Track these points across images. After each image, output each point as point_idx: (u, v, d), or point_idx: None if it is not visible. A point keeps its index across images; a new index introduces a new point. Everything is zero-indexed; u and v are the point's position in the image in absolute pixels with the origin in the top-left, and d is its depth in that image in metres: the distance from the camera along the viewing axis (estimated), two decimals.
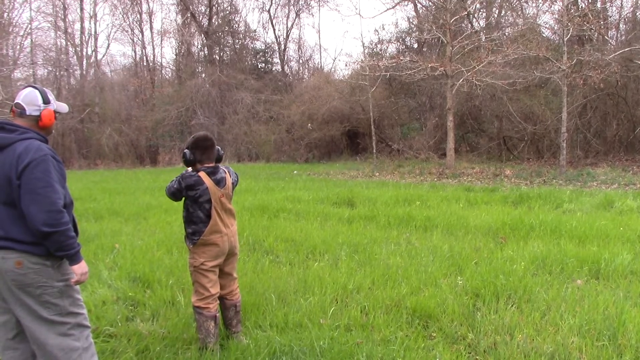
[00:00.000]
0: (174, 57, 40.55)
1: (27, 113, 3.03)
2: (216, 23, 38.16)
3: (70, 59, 40.06)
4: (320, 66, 41.20)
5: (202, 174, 3.90)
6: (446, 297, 5.01)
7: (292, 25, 46.41)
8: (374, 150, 24.12)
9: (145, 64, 40.51)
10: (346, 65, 48.45)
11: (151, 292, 5.37)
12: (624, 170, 18.08)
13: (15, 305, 2.92)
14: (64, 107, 3.22)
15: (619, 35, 24.30)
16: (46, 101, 3.08)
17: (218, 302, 4.07)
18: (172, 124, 32.62)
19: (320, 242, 7.41)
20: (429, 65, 20.16)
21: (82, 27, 39.39)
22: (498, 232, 8.10)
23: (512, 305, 4.87)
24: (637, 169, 18.25)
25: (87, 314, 3.21)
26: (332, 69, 39.93)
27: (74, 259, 2.97)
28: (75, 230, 3.09)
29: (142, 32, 39.92)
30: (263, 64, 39.68)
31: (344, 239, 7.67)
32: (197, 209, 3.90)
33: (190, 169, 3.98)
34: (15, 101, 3.06)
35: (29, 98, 3.04)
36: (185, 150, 3.96)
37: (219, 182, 3.96)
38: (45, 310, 2.92)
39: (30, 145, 2.90)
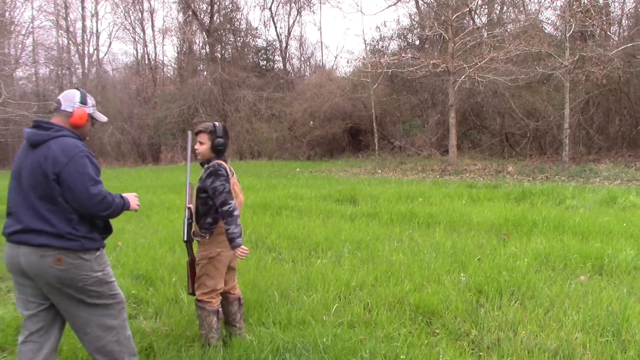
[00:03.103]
0: (176, 55, 40.51)
1: (62, 108, 3.20)
2: (218, 21, 38.08)
3: (72, 57, 40.12)
4: (322, 63, 41.12)
5: (224, 163, 3.93)
6: (449, 293, 5.00)
7: (293, 23, 46.28)
8: (376, 148, 24.08)
9: (147, 62, 40.50)
10: (348, 62, 48.40)
11: (154, 290, 5.38)
12: (626, 166, 18.04)
13: (54, 295, 3.07)
14: (102, 117, 3.40)
15: (621, 31, 24.23)
16: (83, 102, 3.24)
17: (220, 298, 4.04)
18: (174, 122, 32.59)
19: (323, 239, 7.40)
20: (431, 62, 20.11)
21: (83, 26, 39.44)
22: (501, 229, 8.09)
23: (515, 302, 4.86)
24: None
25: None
26: (334, 66, 39.82)
27: (127, 206, 3.27)
28: (109, 229, 3.30)
29: (143, 30, 39.96)
30: (265, 62, 39.59)
31: (347, 236, 7.67)
32: None
33: (216, 162, 3.90)
34: (57, 98, 3.27)
35: (68, 95, 3.25)
36: (220, 139, 3.91)
37: (230, 170, 3.98)
38: (86, 297, 3.11)
39: (66, 142, 3.05)
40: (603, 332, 4.11)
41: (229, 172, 3.89)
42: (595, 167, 17.79)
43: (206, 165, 3.92)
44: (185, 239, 3.90)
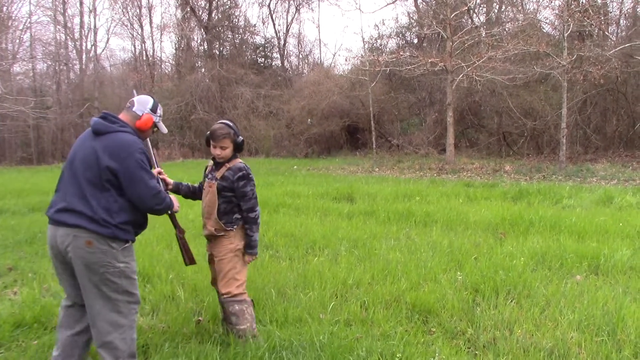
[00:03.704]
0: (174, 51, 40.43)
1: (133, 109, 3.48)
2: (216, 18, 38.07)
3: (70, 53, 40.07)
4: (320, 61, 41.13)
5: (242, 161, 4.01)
6: (446, 292, 5.01)
7: (292, 20, 46.21)
8: (374, 146, 24.11)
9: (144, 58, 40.46)
10: (346, 60, 48.30)
11: (151, 287, 5.38)
12: (623, 166, 18.08)
13: (81, 277, 3.23)
14: (164, 129, 3.66)
15: (619, 31, 24.28)
16: (153, 110, 3.54)
17: None
18: (171, 118, 32.50)
19: (320, 237, 7.41)
20: (429, 60, 20.13)
21: (81, 22, 39.43)
22: (497, 228, 8.11)
23: (511, 301, 4.88)
24: (637, 165, 18.25)
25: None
26: (332, 64, 39.89)
27: (172, 206, 3.58)
28: (144, 225, 3.50)
29: (141, 26, 39.88)
30: (263, 59, 39.58)
31: (344, 234, 7.68)
32: None
33: (239, 160, 3.99)
34: (132, 99, 3.56)
35: (143, 99, 3.54)
36: (240, 137, 3.96)
37: None
38: (105, 287, 3.23)
39: (127, 137, 3.29)
40: (598, 332, 4.13)
41: None
42: (592, 167, 17.83)
43: (232, 166, 3.94)
44: (170, 212, 3.76)
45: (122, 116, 3.45)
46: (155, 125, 3.57)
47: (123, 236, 3.25)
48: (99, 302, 3.25)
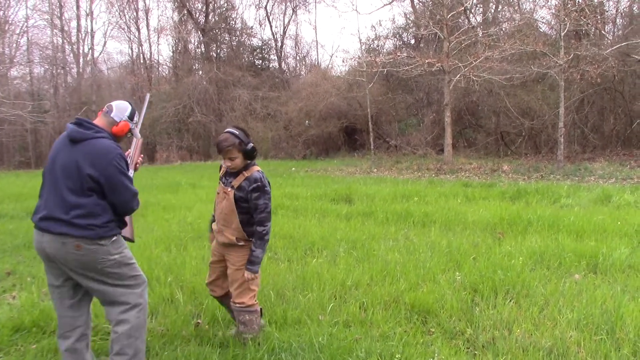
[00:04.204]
0: (171, 54, 40.49)
1: (112, 115, 3.51)
2: (213, 20, 38.07)
3: (67, 56, 40.00)
4: (318, 63, 41.12)
5: (259, 168, 3.94)
6: (444, 292, 5.01)
7: (288, 22, 46.12)
8: (372, 147, 24.12)
9: (142, 61, 40.41)
10: (343, 61, 48.26)
11: (150, 290, 5.35)
12: (621, 165, 18.09)
13: (80, 278, 3.33)
14: (137, 135, 3.73)
15: (615, 30, 24.33)
16: (131, 117, 3.59)
17: None
18: (169, 121, 32.53)
19: (319, 239, 7.41)
20: (426, 61, 20.13)
21: (78, 25, 39.27)
22: (496, 228, 8.12)
23: (510, 300, 4.88)
24: (635, 164, 18.27)
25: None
26: (329, 66, 39.83)
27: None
28: (124, 223, 3.54)
29: (138, 29, 39.87)
30: (260, 61, 39.59)
31: (342, 235, 7.68)
32: None
33: (256, 169, 3.89)
34: (110, 103, 3.61)
35: (121, 106, 3.59)
36: (250, 144, 3.81)
37: None
38: (109, 279, 3.36)
39: (107, 144, 3.33)
40: (597, 330, 4.13)
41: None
42: (590, 166, 17.84)
43: (249, 176, 3.84)
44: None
45: (98, 121, 3.49)
46: (130, 131, 3.61)
47: (107, 234, 3.31)
48: (109, 290, 3.38)
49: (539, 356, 3.76)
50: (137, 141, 3.87)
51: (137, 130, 3.68)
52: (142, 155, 3.96)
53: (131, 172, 3.64)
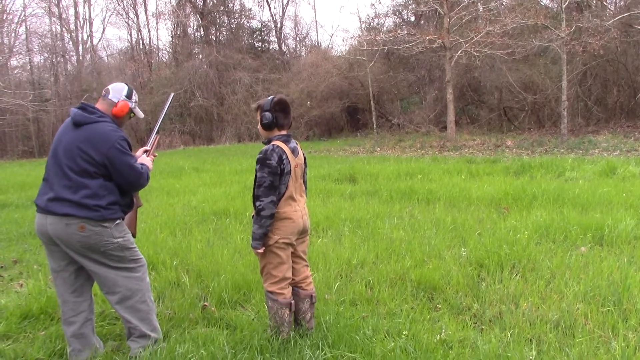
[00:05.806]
0: (170, 39, 40.23)
1: (109, 97, 3.52)
2: (211, 3, 37.79)
3: (66, 44, 39.87)
4: (318, 43, 40.94)
5: (280, 143, 3.57)
6: (450, 268, 5.01)
7: (287, 3, 46.00)
8: (374, 126, 24.07)
9: (141, 47, 40.27)
10: (343, 40, 48.22)
11: (156, 274, 5.39)
12: (625, 137, 18.02)
13: (82, 259, 3.37)
14: (140, 114, 3.70)
15: (617, 1, 24.04)
16: (128, 96, 3.58)
17: (291, 289, 3.76)
18: (171, 106, 32.41)
19: (324, 219, 7.41)
20: (427, 37, 19.98)
21: (76, 12, 39.18)
22: (501, 203, 8.10)
23: (516, 275, 4.88)
24: (639, 135, 18.18)
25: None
26: (330, 46, 39.85)
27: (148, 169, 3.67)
28: (132, 204, 3.62)
29: (136, 14, 39.68)
30: (260, 43, 39.35)
31: (347, 214, 7.67)
32: (280, 183, 3.59)
33: (273, 142, 3.59)
34: (107, 87, 3.61)
35: (117, 87, 3.59)
36: (267, 112, 3.60)
37: (294, 151, 3.66)
38: (110, 261, 3.41)
39: (108, 127, 3.37)
40: (604, 302, 4.13)
41: (284, 157, 3.56)
42: (594, 139, 17.77)
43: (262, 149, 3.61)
44: None
45: (99, 105, 3.51)
46: (131, 111, 3.61)
47: (111, 216, 3.34)
48: (111, 274, 3.42)
49: (546, 329, 3.76)
50: (155, 137, 3.96)
51: (139, 110, 3.68)
52: (155, 154, 4.00)
53: (150, 165, 3.72)
